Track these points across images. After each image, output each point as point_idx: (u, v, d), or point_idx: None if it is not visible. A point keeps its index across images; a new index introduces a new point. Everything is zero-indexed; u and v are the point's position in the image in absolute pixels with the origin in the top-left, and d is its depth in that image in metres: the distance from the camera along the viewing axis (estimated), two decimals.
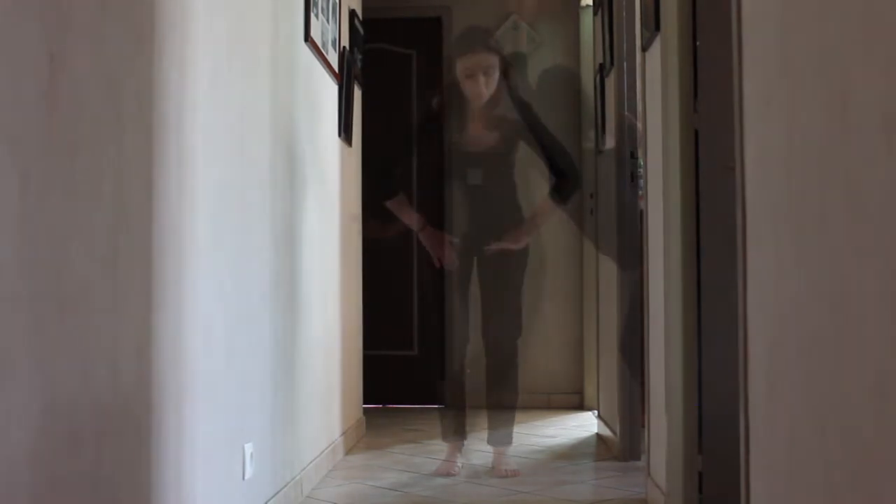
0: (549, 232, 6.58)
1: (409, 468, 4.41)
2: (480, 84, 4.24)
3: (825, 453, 1.71)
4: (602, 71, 5.31)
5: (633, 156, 4.61)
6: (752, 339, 2.25)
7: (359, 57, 5.42)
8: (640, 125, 4.17)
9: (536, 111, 4.46)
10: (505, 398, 4.53)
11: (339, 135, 4.89)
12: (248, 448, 2.98)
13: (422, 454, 4.75)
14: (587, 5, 6.44)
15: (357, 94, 5.42)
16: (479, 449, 4.74)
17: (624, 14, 4.64)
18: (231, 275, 2.85)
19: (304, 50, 4.00)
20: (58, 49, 1.75)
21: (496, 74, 4.27)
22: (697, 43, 3.22)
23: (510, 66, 4.38)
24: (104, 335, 1.95)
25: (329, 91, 4.64)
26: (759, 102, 2.17)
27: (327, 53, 4.43)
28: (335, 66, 4.68)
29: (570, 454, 4.82)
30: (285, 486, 3.48)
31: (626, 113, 4.69)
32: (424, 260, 4.62)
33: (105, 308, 1.95)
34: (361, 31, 5.53)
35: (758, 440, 2.21)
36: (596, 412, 5.84)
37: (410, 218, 4.54)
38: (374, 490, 3.96)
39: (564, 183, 4.42)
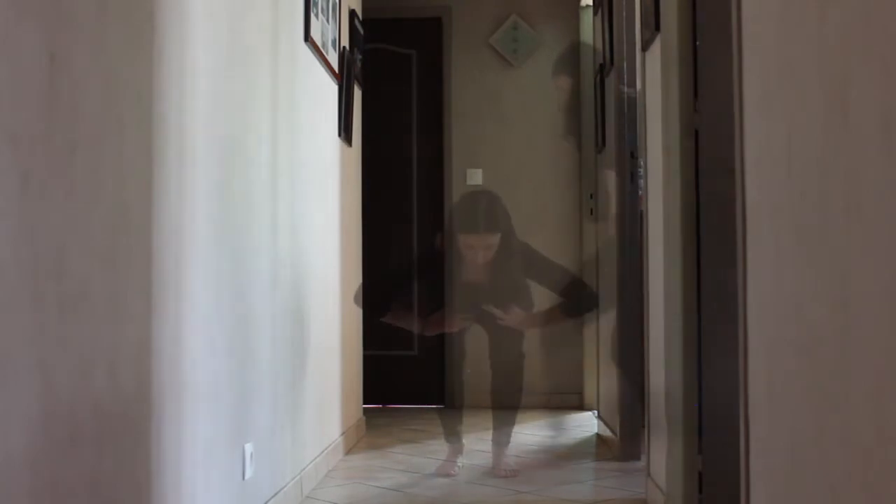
0: (548, 233, 6.59)
1: (408, 468, 4.41)
2: (479, 257, 4.26)
3: (825, 453, 1.71)
4: (602, 71, 5.31)
5: (633, 156, 4.61)
6: (752, 339, 2.25)
7: (359, 57, 5.42)
8: (640, 125, 4.17)
9: (536, 248, 4.49)
10: (508, 398, 4.55)
11: (339, 135, 4.89)
12: (248, 448, 2.98)
13: (422, 454, 4.75)
14: (587, 5, 6.44)
15: (357, 94, 5.42)
16: (479, 449, 4.74)
17: (624, 14, 4.64)
18: (231, 275, 2.84)
19: (304, 50, 4.00)
20: (58, 49, 1.74)
21: (495, 247, 4.27)
22: (697, 43, 3.21)
23: (510, 234, 4.35)
24: (104, 335, 1.94)
25: (329, 91, 4.64)
26: (759, 102, 2.17)
27: (327, 53, 4.43)
28: (335, 66, 4.67)
29: (570, 454, 4.82)
30: (285, 486, 3.48)
31: (626, 112, 4.69)
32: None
33: (105, 308, 1.95)
34: (361, 31, 5.53)
35: (758, 440, 2.21)
36: (596, 412, 5.84)
37: (412, 324, 4.63)
38: (373, 490, 3.95)
39: (577, 305, 4.53)
